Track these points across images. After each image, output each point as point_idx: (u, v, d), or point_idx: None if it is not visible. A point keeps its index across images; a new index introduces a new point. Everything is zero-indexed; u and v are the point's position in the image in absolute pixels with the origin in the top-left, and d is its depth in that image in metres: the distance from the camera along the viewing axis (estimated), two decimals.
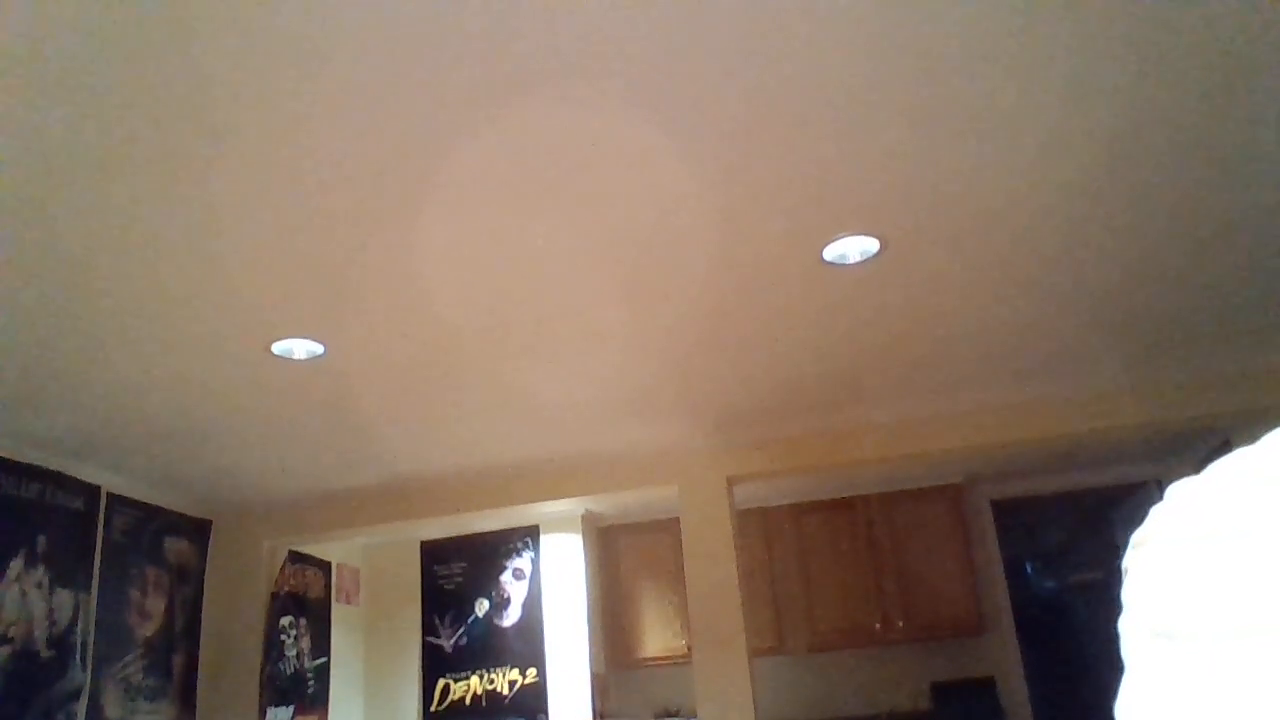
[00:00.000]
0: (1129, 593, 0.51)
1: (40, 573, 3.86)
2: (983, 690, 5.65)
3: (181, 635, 4.74)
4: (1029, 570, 7.90)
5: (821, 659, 5.96)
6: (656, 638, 5.87)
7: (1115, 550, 6.85)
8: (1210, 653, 0.44)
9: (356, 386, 3.57)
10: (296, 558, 5.37)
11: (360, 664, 5.99)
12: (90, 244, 2.43)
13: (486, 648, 5.72)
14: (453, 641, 5.81)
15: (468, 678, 5.71)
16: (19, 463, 3.83)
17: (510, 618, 5.73)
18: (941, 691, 5.71)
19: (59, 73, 1.83)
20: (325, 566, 5.70)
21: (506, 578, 5.81)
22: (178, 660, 4.69)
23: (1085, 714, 6.79)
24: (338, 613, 5.76)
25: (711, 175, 2.37)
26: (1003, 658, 5.79)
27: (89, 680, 4.07)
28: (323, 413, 3.81)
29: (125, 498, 4.43)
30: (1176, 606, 0.47)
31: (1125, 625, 0.50)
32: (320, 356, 3.26)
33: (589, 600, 5.69)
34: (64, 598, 3.98)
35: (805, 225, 2.66)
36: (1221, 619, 0.44)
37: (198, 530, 4.97)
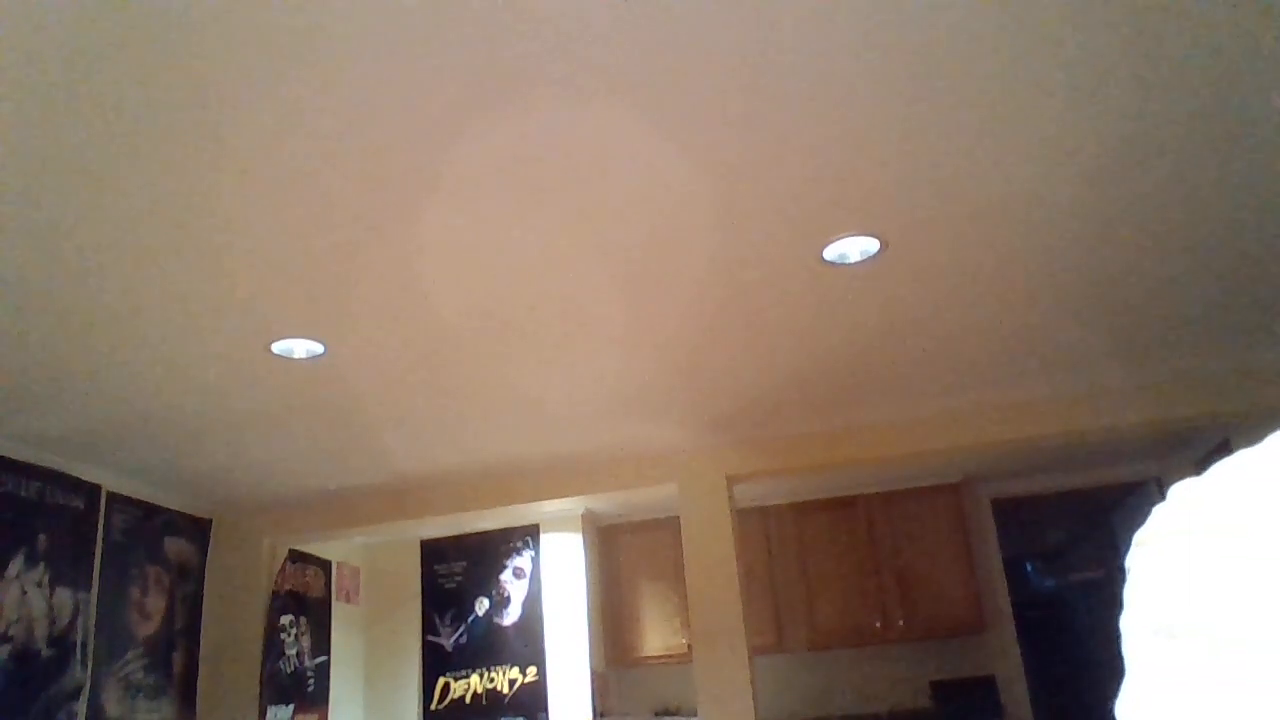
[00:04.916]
0: (1130, 590, 0.51)
1: (40, 571, 3.87)
2: (983, 689, 5.65)
3: (182, 634, 4.74)
4: (1029, 569, 7.91)
5: (821, 657, 5.96)
6: (657, 636, 5.87)
7: (1115, 549, 6.85)
8: (1210, 652, 0.44)
9: (356, 386, 3.57)
10: (297, 556, 5.38)
11: (360, 663, 5.99)
12: (90, 244, 2.43)
13: (487, 646, 5.72)
14: (453, 640, 5.81)
15: (468, 676, 5.71)
16: (19, 462, 3.83)
17: (510, 616, 5.74)
18: (941, 690, 5.71)
19: (57, 73, 1.82)
20: (325, 565, 5.70)
21: (506, 576, 5.81)
22: (178, 659, 4.69)
23: (1085, 712, 6.80)
24: (338, 611, 5.76)
25: (712, 175, 2.37)
26: (1003, 656, 5.79)
27: (89, 679, 4.07)
28: (323, 412, 3.81)
29: (125, 496, 4.44)
30: (1176, 603, 0.47)
31: (1126, 623, 0.50)
32: (320, 356, 3.26)
33: (589, 599, 5.69)
34: (64, 596, 3.98)
35: (805, 225, 2.66)
36: (1222, 619, 0.44)
37: (198, 529, 4.97)
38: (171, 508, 4.77)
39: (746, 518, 5.89)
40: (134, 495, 4.49)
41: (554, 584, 5.72)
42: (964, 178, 2.47)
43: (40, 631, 3.83)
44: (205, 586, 4.96)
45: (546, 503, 5.11)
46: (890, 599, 5.73)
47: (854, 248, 2.81)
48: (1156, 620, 0.48)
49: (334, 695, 5.56)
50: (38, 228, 2.35)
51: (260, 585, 5.01)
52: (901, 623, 5.68)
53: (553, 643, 5.61)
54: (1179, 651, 0.45)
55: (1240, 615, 0.44)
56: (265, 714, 4.86)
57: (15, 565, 3.75)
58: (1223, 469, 0.50)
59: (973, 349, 3.74)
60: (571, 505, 5.40)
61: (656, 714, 5.97)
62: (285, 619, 5.16)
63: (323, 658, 5.51)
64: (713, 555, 4.64)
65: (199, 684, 4.80)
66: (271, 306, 2.88)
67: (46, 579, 3.90)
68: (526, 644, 5.65)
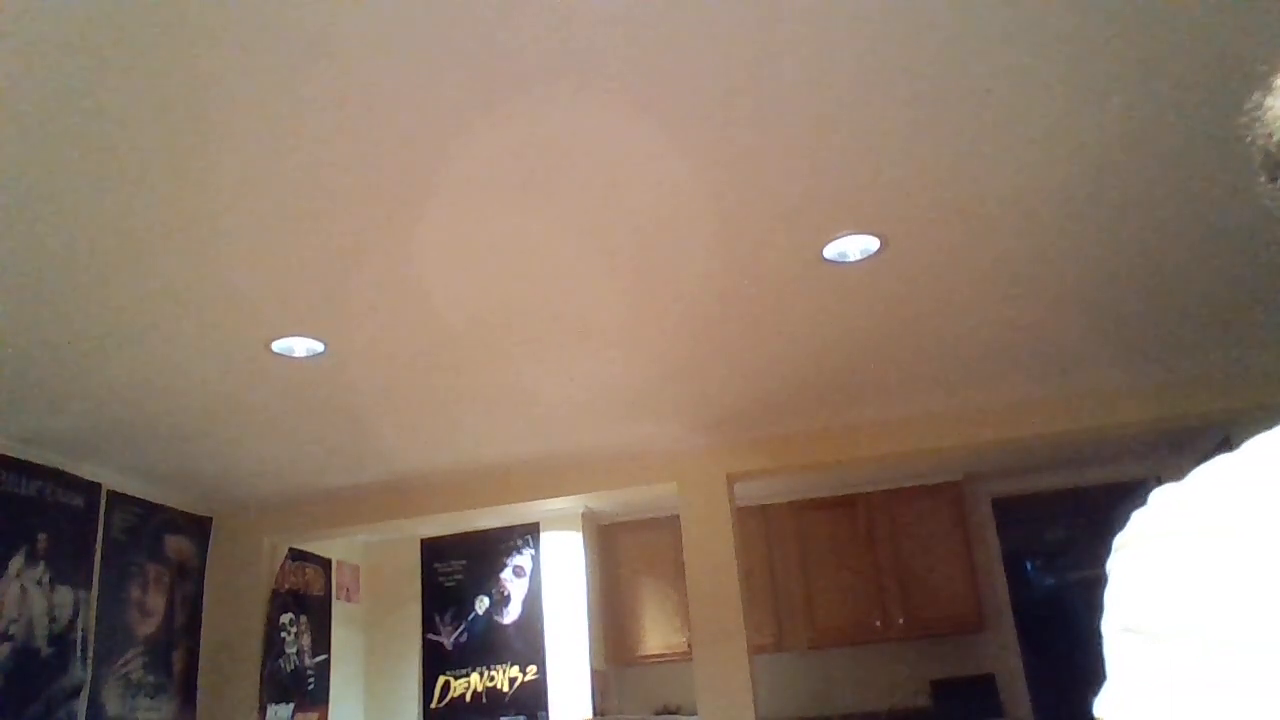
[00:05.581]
0: (1112, 593, 0.51)
1: (41, 570, 3.87)
2: (982, 687, 5.66)
3: (182, 632, 4.75)
4: (1029, 567, 7.90)
5: (821, 656, 5.96)
6: (657, 634, 5.87)
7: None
8: (1202, 653, 0.44)
9: (357, 384, 3.57)
10: (297, 555, 5.38)
11: (360, 661, 5.99)
12: (90, 242, 2.43)
13: (487, 645, 5.73)
14: (453, 639, 5.81)
15: (468, 675, 5.71)
16: (19, 460, 3.84)
17: (510, 615, 5.74)
18: (941, 689, 5.71)
19: (58, 71, 1.82)
20: (325, 564, 5.70)
21: (507, 575, 5.82)
22: (178, 657, 4.70)
23: (1084, 712, 6.80)
24: (338, 610, 5.76)
25: (712, 174, 2.37)
26: (1002, 655, 5.79)
27: (89, 677, 4.07)
28: (323, 410, 3.81)
29: (125, 495, 4.44)
30: (1164, 604, 0.47)
31: (1108, 626, 0.51)
32: (320, 354, 3.26)
33: (589, 597, 5.69)
34: (64, 595, 3.98)
35: (805, 224, 2.65)
36: (1213, 619, 0.44)
37: (198, 527, 4.97)
38: (172, 506, 4.77)
39: (746, 517, 5.88)
40: (134, 494, 4.49)
41: (554, 582, 5.72)
42: (964, 177, 2.47)
43: (40, 630, 3.83)
44: (205, 585, 4.96)
45: (546, 501, 5.11)
46: (890, 598, 5.73)
47: (854, 247, 2.81)
48: (1143, 622, 0.48)
49: (334, 694, 5.56)
50: (37, 227, 2.34)
51: (260, 584, 5.01)
52: (901, 621, 5.68)
53: (553, 641, 5.62)
54: (1167, 653, 0.46)
55: (1232, 616, 0.44)
56: (265, 712, 4.86)
57: (15, 564, 3.75)
58: (1203, 473, 0.50)
59: (973, 347, 3.74)
60: (571, 504, 5.40)
61: (656, 713, 5.97)
62: (285, 617, 5.17)
63: (323, 656, 5.51)
64: (713, 554, 4.64)
65: (199, 682, 4.80)
66: (272, 305, 2.88)
67: (47, 577, 3.90)
68: (526, 642, 5.65)
